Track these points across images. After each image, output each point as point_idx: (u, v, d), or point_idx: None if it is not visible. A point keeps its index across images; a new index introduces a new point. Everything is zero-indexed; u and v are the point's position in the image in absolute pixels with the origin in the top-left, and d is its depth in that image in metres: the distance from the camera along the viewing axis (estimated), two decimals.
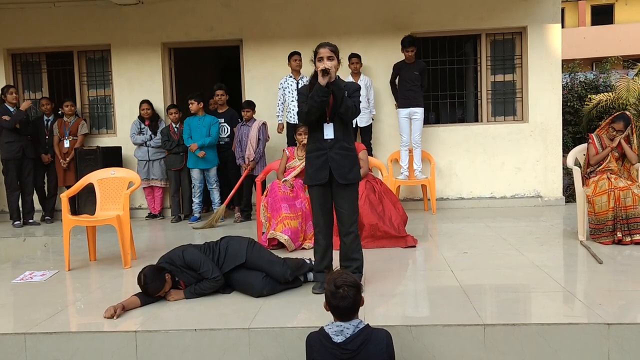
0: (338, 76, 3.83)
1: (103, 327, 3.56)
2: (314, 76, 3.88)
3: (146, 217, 8.01)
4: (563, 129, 8.30)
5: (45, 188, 8.03)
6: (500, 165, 7.93)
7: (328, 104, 3.84)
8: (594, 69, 17.49)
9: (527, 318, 3.44)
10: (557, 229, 6.23)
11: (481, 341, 3.30)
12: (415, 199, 8.01)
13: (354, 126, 7.31)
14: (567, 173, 8.71)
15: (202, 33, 8.05)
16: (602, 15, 25.92)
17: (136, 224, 7.36)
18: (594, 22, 25.94)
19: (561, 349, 3.25)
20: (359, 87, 4.01)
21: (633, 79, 9.15)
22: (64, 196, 5.08)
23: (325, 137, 3.91)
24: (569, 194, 8.45)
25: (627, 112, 6.00)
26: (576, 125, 10.05)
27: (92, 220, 5.23)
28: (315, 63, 3.85)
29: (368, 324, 2.86)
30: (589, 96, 9.73)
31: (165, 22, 8.03)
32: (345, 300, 2.75)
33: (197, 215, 7.59)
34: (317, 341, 2.82)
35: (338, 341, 2.75)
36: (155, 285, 3.92)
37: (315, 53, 3.86)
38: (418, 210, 7.72)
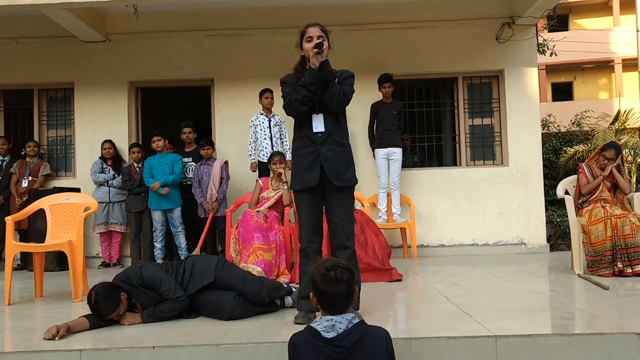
0: (327, 60, 3.43)
1: (43, 346, 2.96)
2: (301, 63, 3.48)
3: (99, 266, 7.32)
4: None
5: None
6: (481, 210, 7.59)
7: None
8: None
9: (544, 330, 2.97)
10: (549, 267, 5.85)
11: (492, 356, 2.81)
12: (394, 246, 7.52)
13: None
14: (550, 221, 8.44)
15: (171, 72, 7.72)
16: (562, 94, 26.77)
17: (91, 273, 6.68)
18: (555, 99, 26.76)
19: None
20: (353, 75, 3.54)
21: (609, 127, 9.12)
22: (10, 219, 4.50)
23: (315, 131, 3.38)
24: (552, 243, 8.15)
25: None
26: (552, 179, 9.88)
27: (39, 246, 4.63)
28: (302, 46, 3.42)
29: (363, 320, 2.37)
30: (564, 149, 9.63)
31: (133, 60, 7.70)
32: (337, 284, 2.27)
33: (159, 261, 6.97)
34: (302, 341, 2.31)
35: (329, 337, 2.24)
36: (107, 304, 3.36)
37: (303, 34, 3.41)
38: (398, 258, 7.22)
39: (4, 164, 7.50)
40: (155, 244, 7.03)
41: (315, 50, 3.24)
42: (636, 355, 2.76)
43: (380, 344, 2.30)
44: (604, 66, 25.19)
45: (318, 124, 3.39)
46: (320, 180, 3.39)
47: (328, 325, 2.27)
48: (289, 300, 3.82)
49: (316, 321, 2.33)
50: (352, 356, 2.23)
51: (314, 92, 3.31)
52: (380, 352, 2.28)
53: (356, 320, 2.32)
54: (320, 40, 3.28)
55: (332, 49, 3.42)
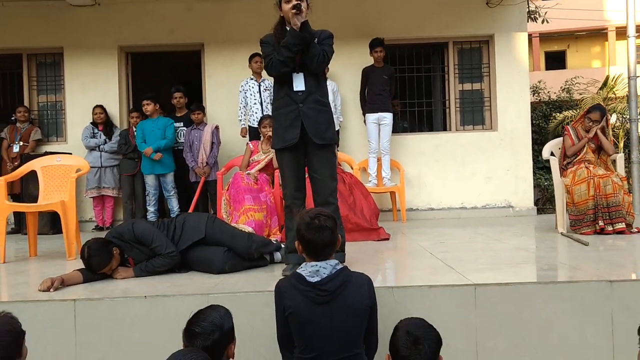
0: (307, 21, 3.47)
1: (38, 297, 3.05)
2: (280, 23, 3.53)
3: (93, 229, 7.39)
4: None
5: None
6: (470, 174, 7.69)
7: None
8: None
9: (522, 279, 3.09)
10: (535, 227, 5.98)
11: (472, 304, 2.94)
12: (384, 209, 7.64)
13: None
14: (537, 185, 8.57)
15: (161, 36, 7.70)
16: (556, 62, 26.72)
17: (85, 236, 6.74)
18: (548, 67, 26.73)
19: (561, 310, 2.91)
20: (332, 34, 3.59)
21: (597, 92, 9.20)
22: (1, 180, 4.55)
23: (295, 89, 3.45)
24: (539, 206, 8.28)
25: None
26: (542, 144, 9.98)
27: (32, 206, 4.70)
28: (280, 6, 3.45)
29: (347, 266, 2.47)
30: (554, 114, 9.72)
31: (123, 24, 7.66)
32: (322, 231, 2.36)
33: None
34: (288, 286, 2.41)
35: (314, 281, 2.34)
36: (100, 259, 3.44)
37: None
38: (387, 221, 7.33)
39: None
40: (148, 208, 7.10)
41: (294, 11, 3.28)
42: (607, 301, 2.89)
43: (363, 289, 2.40)
44: (598, 34, 25.11)
45: (298, 83, 3.45)
46: (301, 138, 3.46)
47: (313, 270, 2.37)
48: (277, 255, 3.93)
49: (301, 267, 2.42)
50: (336, 300, 2.33)
51: (296, 52, 3.36)
52: (363, 296, 2.38)
53: (340, 266, 2.41)
54: (299, 1, 3.31)
55: (311, 10, 3.47)
